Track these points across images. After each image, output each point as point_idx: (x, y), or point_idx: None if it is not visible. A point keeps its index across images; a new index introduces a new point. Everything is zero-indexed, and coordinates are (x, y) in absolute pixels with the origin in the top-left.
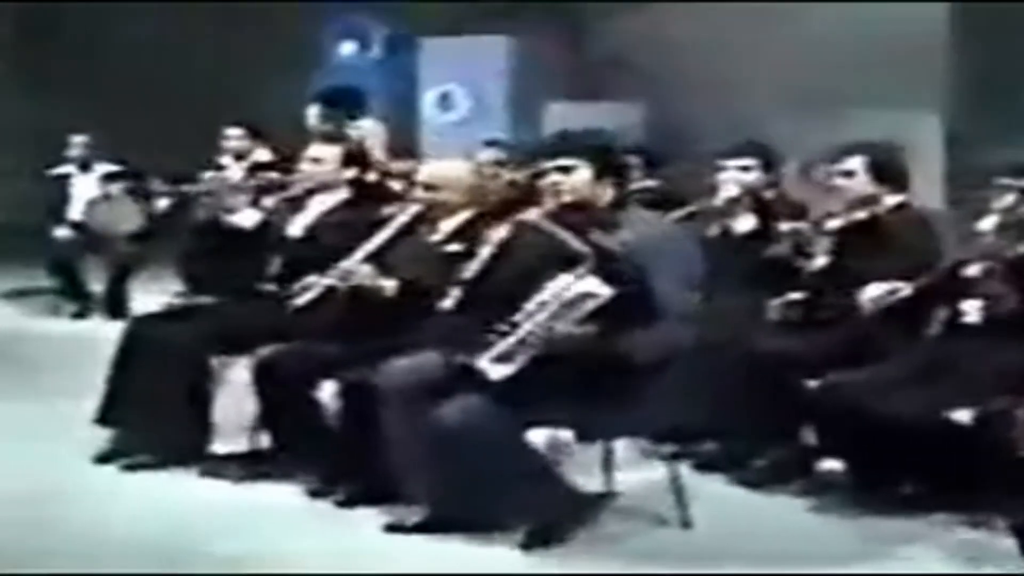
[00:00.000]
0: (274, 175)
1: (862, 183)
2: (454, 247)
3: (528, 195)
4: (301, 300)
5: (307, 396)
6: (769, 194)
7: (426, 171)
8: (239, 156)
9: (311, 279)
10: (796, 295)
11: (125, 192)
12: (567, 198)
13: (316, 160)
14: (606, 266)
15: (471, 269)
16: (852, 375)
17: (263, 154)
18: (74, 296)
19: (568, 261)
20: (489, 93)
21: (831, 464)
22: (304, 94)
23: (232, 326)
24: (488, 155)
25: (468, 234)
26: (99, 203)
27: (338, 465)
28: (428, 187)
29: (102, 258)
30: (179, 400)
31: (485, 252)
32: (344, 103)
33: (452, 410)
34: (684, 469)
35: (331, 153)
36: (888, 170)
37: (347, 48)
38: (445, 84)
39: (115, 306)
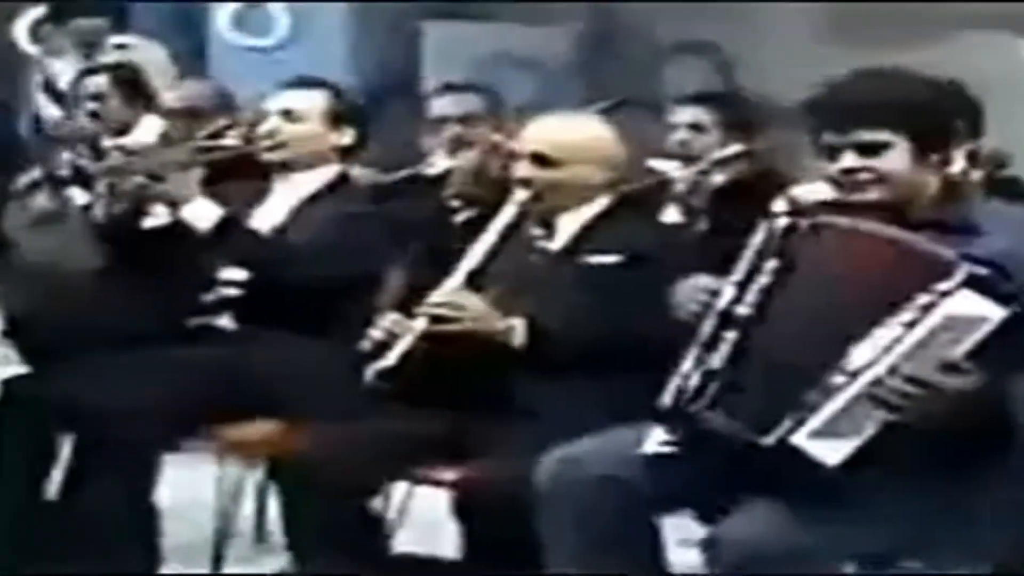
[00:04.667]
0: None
1: None
2: (597, 259)
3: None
4: (389, 358)
5: (364, 506)
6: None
7: (534, 133)
8: None
9: (392, 319)
10: None
11: None
12: (876, 195)
13: (289, 115)
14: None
15: (748, 298)
16: None
17: None
18: None
19: (913, 281)
20: (319, 9)
21: None
22: None
23: (198, 392)
24: (444, 103)
25: (607, 237)
26: None
27: None
28: (540, 159)
29: None
30: (109, 515)
31: (770, 267)
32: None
33: (744, 526)
34: None
35: (311, 105)
36: None
37: None
38: None
39: None
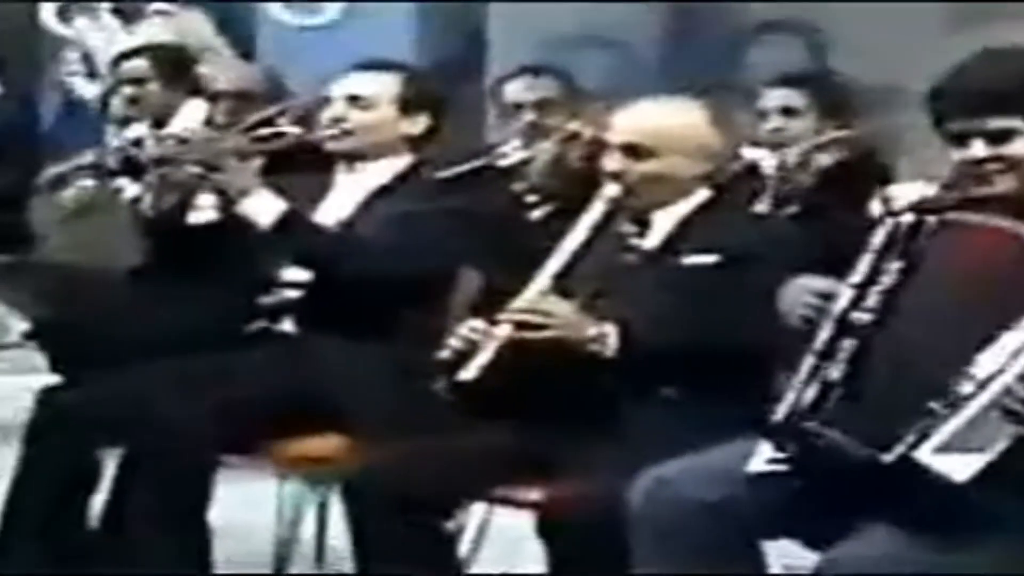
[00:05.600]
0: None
1: None
2: (696, 259)
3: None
4: (470, 370)
5: (439, 527)
6: None
7: (625, 122)
8: None
9: (472, 326)
10: None
11: None
12: (1004, 186)
13: (357, 101)
14: None
15: (868, 302)
16: None
17: None
18: None
19: None
20: None
21: None
22: None
23: (256, 402)
24: (519, 88)
25: (706, 234)
26: None
27: None
28: (632, 150)
29: None
30: (159, 537)
31: (894, 268)
32: None
33: (864, 551)
34: None
35: (382, 89)
36: None
37: None
38: None
39: None
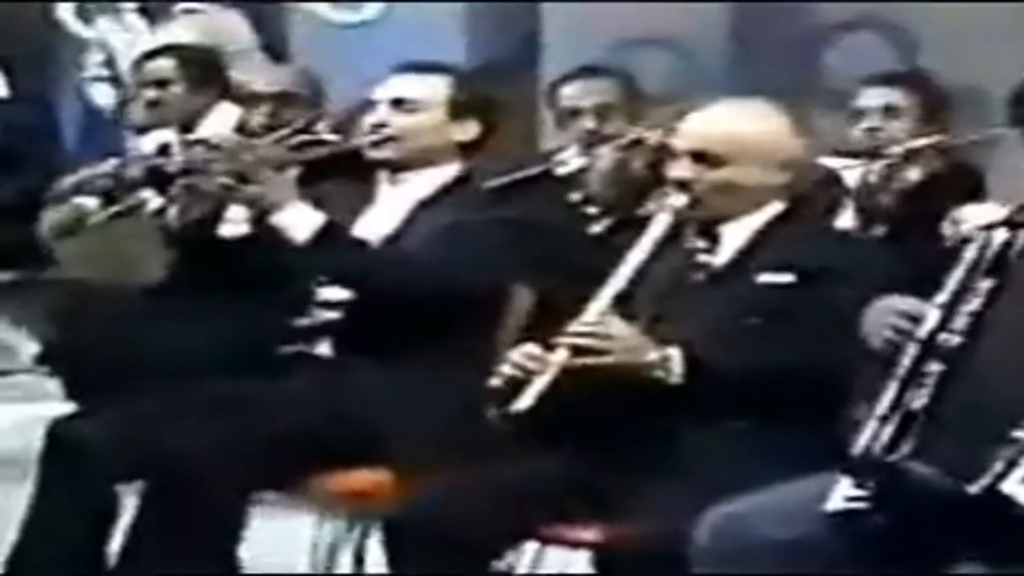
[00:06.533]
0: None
1: None
2: (769, 277)
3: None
4: (524, 399)
5: (489, 567)
6: None
7: (694, 127)
8: None
9: (525, 352)
10: None
11: None
12: None
13: (402, 105)
14: None
15: (956, 324)
16: None
17: None
18: None
19: None
20: None
21: None
22: None
23: (291, 432)
24: (576, 92)
25: (781, 250)
26: None
27: None
28: (702, 157)
29: None
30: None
31: (984, 287)
32: None
33: None
34: None
35: (431, 93)
36: None
37: None
38: None
39: None
